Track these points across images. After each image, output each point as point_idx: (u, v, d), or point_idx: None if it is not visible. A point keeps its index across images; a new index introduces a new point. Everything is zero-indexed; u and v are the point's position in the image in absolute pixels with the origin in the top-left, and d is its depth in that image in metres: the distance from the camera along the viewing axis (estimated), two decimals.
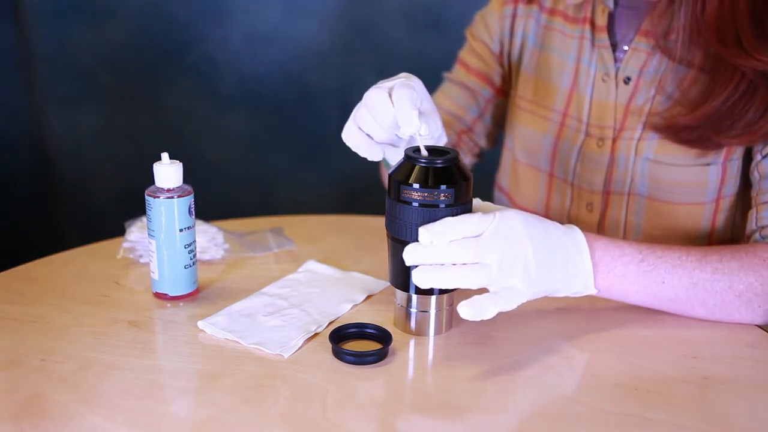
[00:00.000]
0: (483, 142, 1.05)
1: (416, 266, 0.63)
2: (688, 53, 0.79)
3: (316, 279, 0.81)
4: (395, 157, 0.71)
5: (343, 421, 0.56)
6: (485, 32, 1.00)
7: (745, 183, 0.83)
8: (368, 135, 0.68)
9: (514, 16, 0.98)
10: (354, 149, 0.69)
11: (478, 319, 0.60)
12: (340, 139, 0.69)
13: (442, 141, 0.73)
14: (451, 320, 0.70)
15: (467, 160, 1.03)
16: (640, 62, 0.85)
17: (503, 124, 1.05)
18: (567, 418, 0.57)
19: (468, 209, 0.65)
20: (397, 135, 0.68)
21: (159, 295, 0.75)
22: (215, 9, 1.77)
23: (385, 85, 0.67)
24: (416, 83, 0.68)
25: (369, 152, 0.68)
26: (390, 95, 0.65)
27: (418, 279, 0.62)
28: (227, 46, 1.80)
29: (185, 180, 0.74)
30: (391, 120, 0.65)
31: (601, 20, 0.88)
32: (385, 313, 0.73)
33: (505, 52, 1.00)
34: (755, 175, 0.79)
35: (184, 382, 0.61)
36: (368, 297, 0.77)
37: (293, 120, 1.87)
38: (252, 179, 1.93)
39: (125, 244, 0.85)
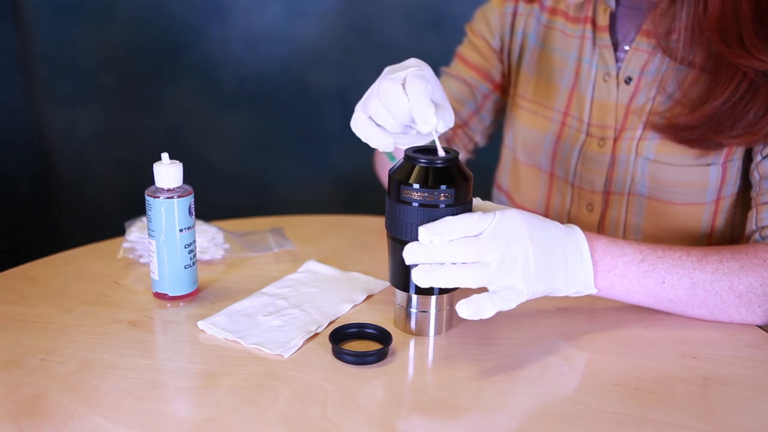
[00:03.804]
0: (478, 138, 1.04)
1: (416, 265, 0.63)
2: (689, 53, 0.79)
3: (316, 279, 0.81)
4: (404, 145, 0.70)
5: (343, 421, 0.56)
6: (486, 28, 1.00)
7: (745, 183, 0.83)
8: (380, 126, 0.66)
9: (514, 14, 0.98)
10: (364, 139, 0.67)
11: (477, 319, 0.60)
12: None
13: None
14: (451, 320, 0.70)
15: (461, 155, 1.02)
16: (641, 62, 0.85)
17: (500, 122, 1.05)
18: (567, 418, 0.57)
19: (468, 209, 0.65)
20: (409, 125, 0.66)
21: (159, 295, 0.75)
22: (215, 9, 1.77)
23: (397, 75, 0.64)
24: (427, 71, 0.66)
25: (380, 143, 0.66)
26: (404, 86, 0.63)
27: (418, 278, 0.62)
28: (227, 46, 1.80)
29: (185, 180, 0.74)
30: (406, 114, 0.63)
31: (603, 20, 0.88)
32: (385, 313, 0.73)
33: (505, 49, 1.00)
34: (755, 176, 0.79)
35: (184, 382, 0.61)
36: (368, 297, 0.77)
37: (293, 120, 1.88)
38: (252, 179, 1.93)
39: (125, 244, 0.85)
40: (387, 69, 0.68)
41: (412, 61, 0.67)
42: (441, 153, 0.64)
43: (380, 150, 0.67)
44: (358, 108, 0.67)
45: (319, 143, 1.88)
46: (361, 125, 0.66)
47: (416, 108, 0.62)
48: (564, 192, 0.94)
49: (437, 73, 1.02)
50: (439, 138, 0.65)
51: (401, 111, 0.63)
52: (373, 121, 0.66)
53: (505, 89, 1.02)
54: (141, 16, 1.78)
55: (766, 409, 0.59)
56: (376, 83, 0.66)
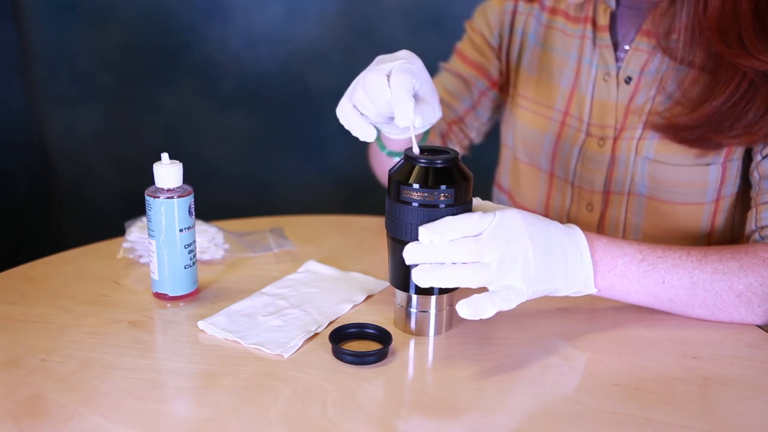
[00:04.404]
0: (473, 135, 1.04)
1: (416, 265, 0.63)
2: (689, 53, 0.79)
3: (316, 279, 0.81)
4: (391, 135, 0.70)
5: (343, 421, 0.56)
6: (485, 26, 1.00)
7: (745, 183, 0.83)
8: (363, 114, 0.67)
9: (514, 13, 0.98)
10: (347, 127, 0.68)
11: (477, 318, 0.60)
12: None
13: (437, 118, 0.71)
14: (451, 320, 0.70)
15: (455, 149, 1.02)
16: (641, 62, 0.85)
17: (496, 120, 1.05)
18: (567, 418, 0.57)
19: (468, 209, 0.65)
20: (392, 117, 0.67)
21: (159, 295, 0.75)
22: (215, 9, 1.77)
23: (384, 67, 0.65)
24: (416, 64, 0.67)
25: (362, 132, 0.67)
26: (388, 79, 0.64)
27: (418, 278, 0.62)
28: (227, 46, 1.80)
29: (185, 180, 0.74)
30: (387, 106, 0.64)
31: (603, 20, 0.88)
32: (385, 313, 0.73)
33: (503, 47, 1.00)
34: (755, 176, 0.79)
35: (184, 382, 0.61)
36: (368, 297, 0.77)
37: (293, 120, 1.88)
38: (251, 179, 1.93)
39: (125, 244, 0.85)
40: (378, 58, 0.68)
41: (403, 53, 0.68)
42: (416, 150, 0.64)
43: (361, 139, 0.68)
44: (345, 96, 0.68)
45: (319, 143, 1.88)
46: (345, 113, 0.67)
47: (395, 102, 0.63)
48: (564, 192, 0.94)
49: (435, 69, 1.02)
50: (431, 131, 0.65)
51: (383, 102, 0.64)
52: (357, 110, 0.66)
53: (502, 87, 1.03)
54: (141, 16, 1.78)
55: (766, 409, 0.59)
56: (364, 72, 0.67)
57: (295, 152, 1.91)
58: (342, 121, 0.68)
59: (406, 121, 0.62)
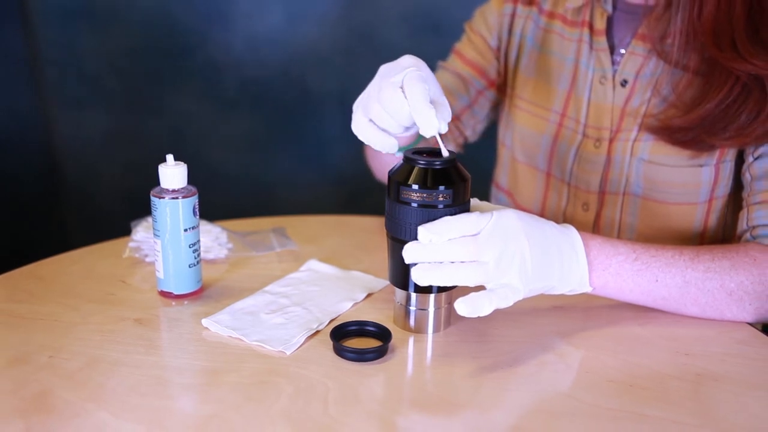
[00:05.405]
0: (468, 133, 1.05)
1: (415, 264, 0.64)
2: (683, 57, 0.81)
3: (318, 278, 0.82)
4: (400, 140, 0.71)
5: (344, 417, 0.57)
6: (484, 27, 1.02)
7: (737, 185, 0.84)
8: (382, 129, 0.67)
9: (513, 16, 0.99)
10: (366, 142, 0.68)
11: (475, 316, 0.61)
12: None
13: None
14: (449, 318, 0.71)
15: (450, 148, 1.03)
16: (637, 65, 0.87)
17: (491, 119, 1.06)
18: (563, 414, 0.58)
19: (466, 209, 0.66)
20: (410, 126, 0.67)
21: (164, 294, 0.76)
22: (218, 14, 1.79)
23: (395, 79, 0.65)
24: (424, 69, 0.67)
25: (384, 145, 0.68)
26: (403, 90, 0.64)
27: (417, 276, 0.63)
28: (230, 50, 1.82)
29: (189, 181, 0.75)
30: (407, 117, 0.65)
31: (600, 24, 0.89)
32: (385, 311, 0.74)
33: (502, 48, 1.01)
34: (747, 177, 0.80)
35: (188, 378, 0.62)
36: (368, 295, 0.78)
37: (294, 122, 1.89)
38: (253, 180, 1.94)
39: (131, 244, 0.86)
40: (383, 68, 0.69)
41: (409, 60, 0.68)
42: (445, 153, 0.65)
43: (384, 152, 0.68)
44: (358, 110, 0.68)
45: (320, 145, 1.89)
46: (363, 129, 0.68)
47: (417, 113, 0.63)
48: (560, 191, 0.95)
49: (433, 67, 1.03)
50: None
51: (403, 115, 0.65)
52: (374, 123, 0.67)
53: (499, 87, 1.04)
54: (146, 21, 1.80)
55: (757, 404, 0.60)
56: (374, 85, 0.67)
57: (296, 153, 1.92)
58: (361, 137, 0.68)
59: (432, 130, 0.63)
